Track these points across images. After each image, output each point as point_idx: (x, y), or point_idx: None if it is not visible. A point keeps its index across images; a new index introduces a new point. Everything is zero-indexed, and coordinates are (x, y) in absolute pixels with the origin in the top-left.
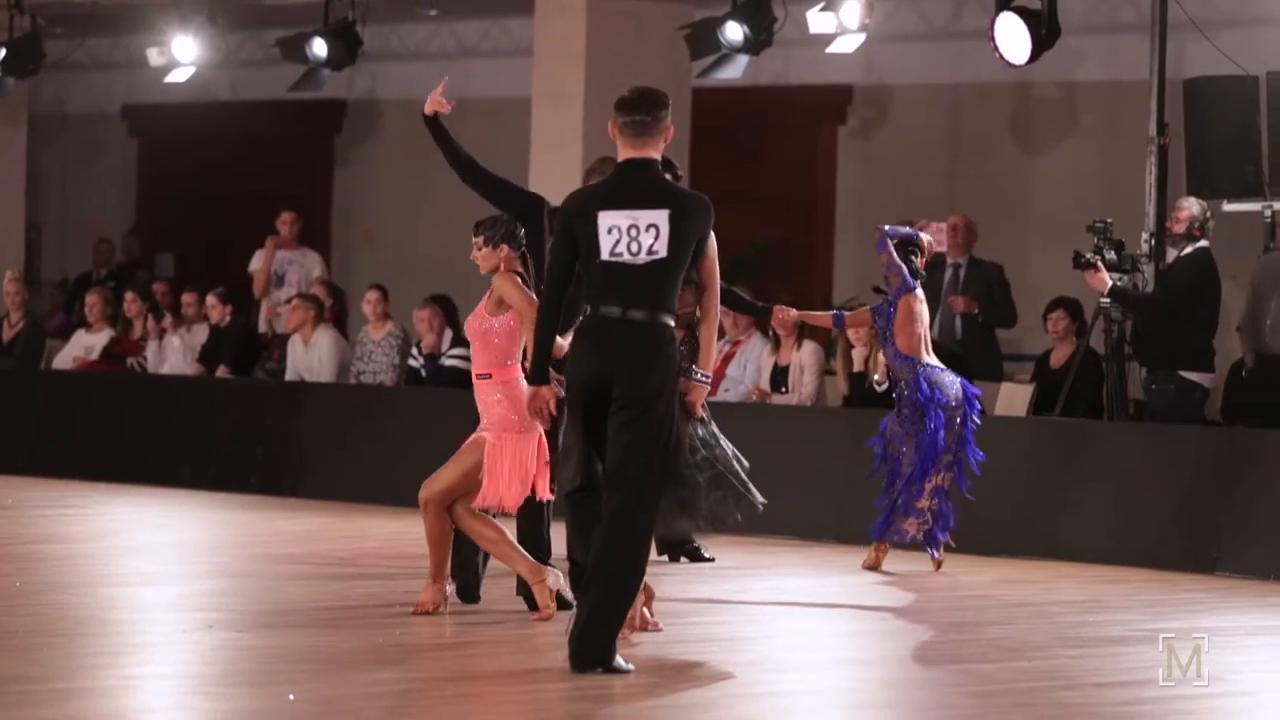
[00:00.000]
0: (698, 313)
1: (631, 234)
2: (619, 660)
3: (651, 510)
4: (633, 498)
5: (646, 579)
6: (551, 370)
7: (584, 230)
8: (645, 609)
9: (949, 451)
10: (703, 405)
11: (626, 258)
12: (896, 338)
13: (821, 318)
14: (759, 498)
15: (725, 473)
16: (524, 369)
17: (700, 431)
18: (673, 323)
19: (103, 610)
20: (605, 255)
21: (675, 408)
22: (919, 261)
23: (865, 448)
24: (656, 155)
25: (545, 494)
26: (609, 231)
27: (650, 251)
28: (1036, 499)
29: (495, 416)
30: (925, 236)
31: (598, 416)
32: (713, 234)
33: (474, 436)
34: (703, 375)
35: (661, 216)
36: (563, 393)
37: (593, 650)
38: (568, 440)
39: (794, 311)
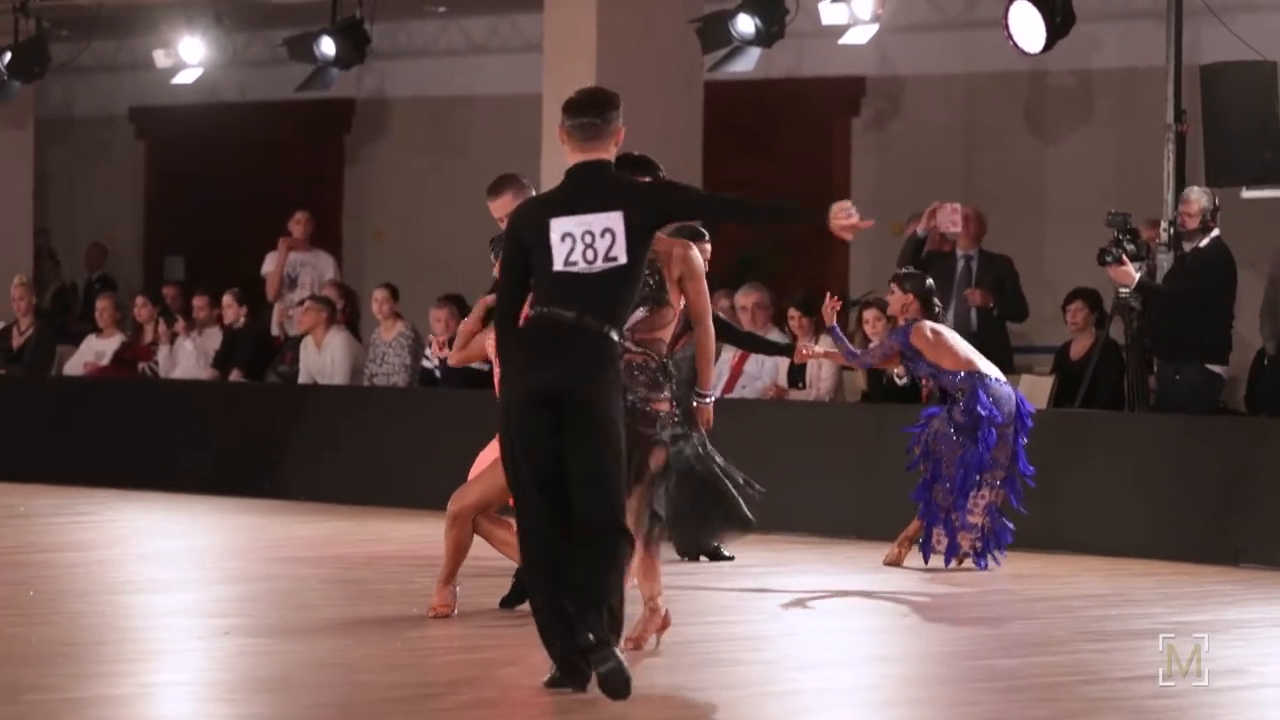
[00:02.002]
0: (682, 344)
1: (586, 240)
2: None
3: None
4: (611, 502)
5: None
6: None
7: (536, 239)
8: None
9: (1002, 468)
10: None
11: (581, 266)
12: (941, 364)
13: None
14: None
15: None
16: None
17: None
18: (618, 338)
19: (117, 618)
20: (559, 265)
21: (621, 416)
22: (938, 302)
23: (885, 443)
24: (608, 157)
25: None
26: (563, 240)
27: (608, 258)
28: (1058, 492)
29: None
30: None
31: (542, 427)
32: (696, 252)
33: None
34: (706, 396)
35: (616, 219)
36: None
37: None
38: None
39: (819, 349)
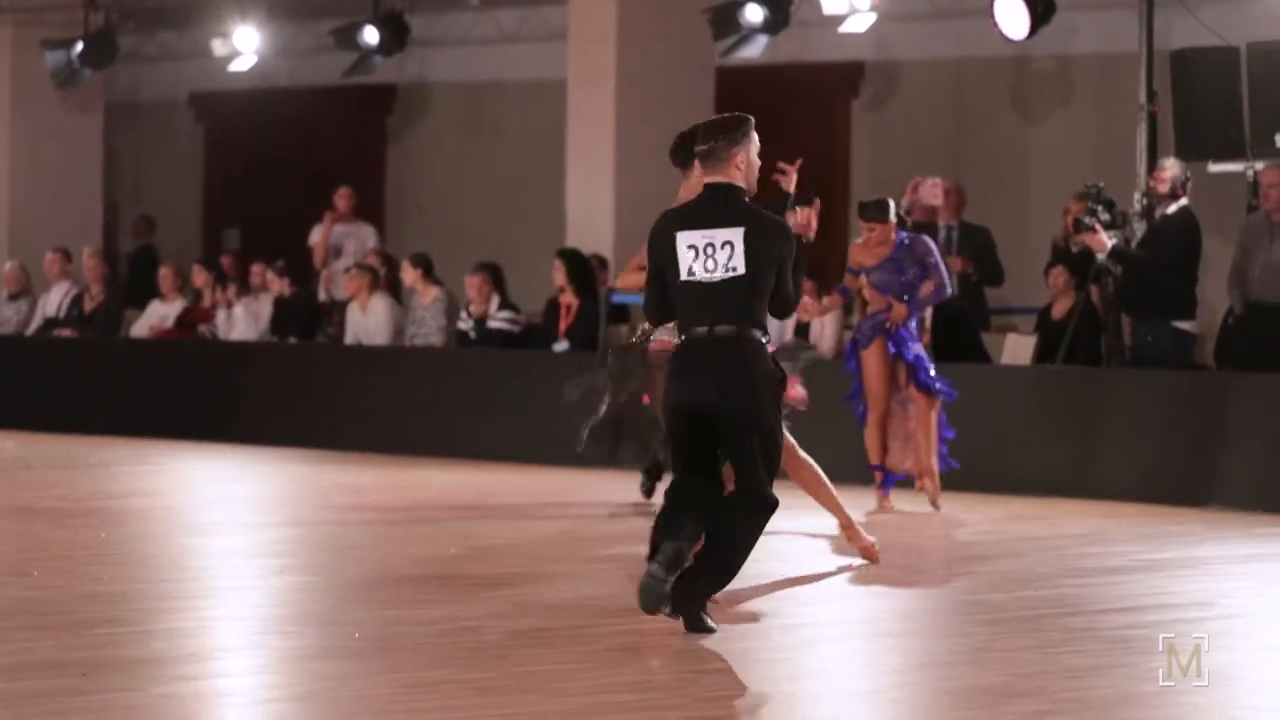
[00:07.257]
0: None
1: (708, 251)
2: (708, 620)
3: (768, 512)
4: (757, 503)
5: None
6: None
7: (666, 251)
8: None
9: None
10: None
11: (702, 275)
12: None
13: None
14: None
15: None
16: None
17: None
18: (761, 336)
19: (182, 558)
20: (684, 275)
21: (776, 410)
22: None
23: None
24: (731, 180)
25: None
26: (688, 249)
27: (728, 268)
28: (1041, 441)
29: None
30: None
31: (700, 436)
32: None
33: None
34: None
35: (737, 234)
36: None
37: (689, 602)
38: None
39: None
